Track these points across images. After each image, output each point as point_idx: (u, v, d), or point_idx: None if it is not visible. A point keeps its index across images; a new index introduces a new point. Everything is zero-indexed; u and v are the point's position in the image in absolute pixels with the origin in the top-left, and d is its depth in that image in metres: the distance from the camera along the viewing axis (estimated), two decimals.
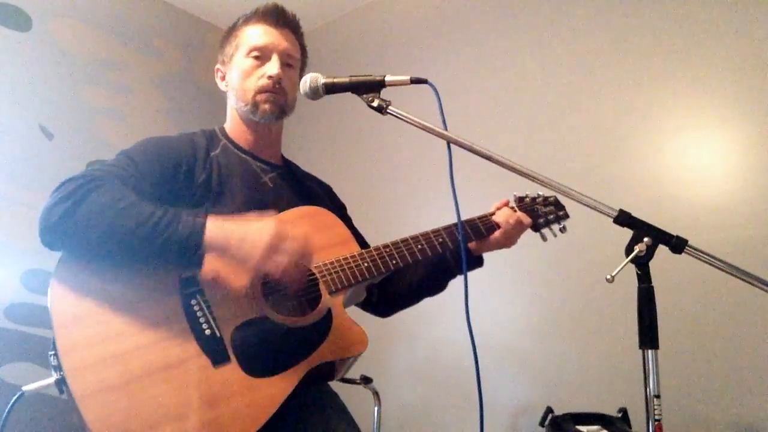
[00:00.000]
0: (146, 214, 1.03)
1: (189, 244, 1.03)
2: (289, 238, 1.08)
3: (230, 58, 1.39)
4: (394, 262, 1.29)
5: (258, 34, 1.36)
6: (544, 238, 1.50)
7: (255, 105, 1.33)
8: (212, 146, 1.32)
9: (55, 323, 1.00)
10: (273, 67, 1.33)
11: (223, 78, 1.42)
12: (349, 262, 1.26)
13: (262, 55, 1.34)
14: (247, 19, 1.39)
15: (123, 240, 1.02)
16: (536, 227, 1.48)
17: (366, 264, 1.27)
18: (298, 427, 1.20)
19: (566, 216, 1.52)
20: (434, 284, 1.48)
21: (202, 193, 1.22)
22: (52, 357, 1.01)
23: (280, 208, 1.29)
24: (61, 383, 0.99)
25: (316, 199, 1.43)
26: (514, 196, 1.51)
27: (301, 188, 1.43)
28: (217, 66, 1.43)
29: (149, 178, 1.16)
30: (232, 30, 1.41)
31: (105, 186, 1.06)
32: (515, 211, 1.43)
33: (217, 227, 1.06)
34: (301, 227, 1.26)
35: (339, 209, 1.51)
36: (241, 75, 1.35)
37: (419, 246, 1.33)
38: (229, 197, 1.24)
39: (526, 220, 1.42)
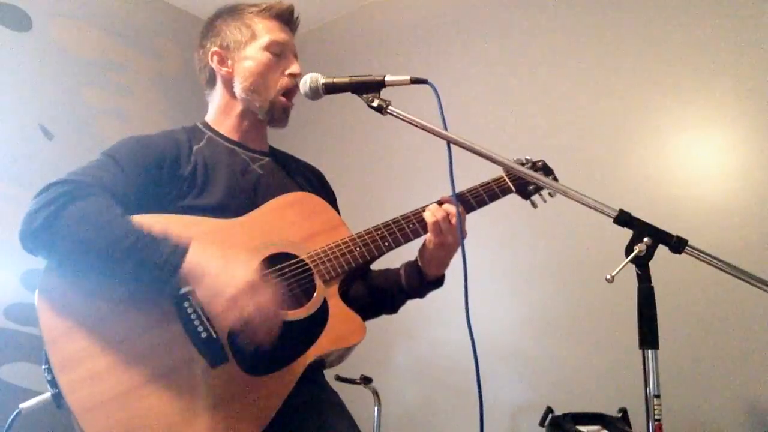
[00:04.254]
0: (125, 231, 1.01)
1: (164, 269, 1.00)
2: (258, 295, 1.02)
3: (240, 46, 1.34)
4: (386, 244, 1.27)
5: (278, 31, 1.35)
6: (534, 205, 1.46)
7: (272, 106, 1.33)
8: (195, 140, 1.30)
9: (46, 338, 0.98)
10: (296, 66, 1.34)
11: (222, 62, 1.36)
12: (342, 248, 1.24)
13: (280, 52, 1.34)
14: (261, 12, 1.36)
15: (99, 255, 1.00)
16: (526, 195, 1.45)
17: (359, 249, 1.25)
18: (297, 428, 1.19)
19: (555, 180, 1.47)
20: (386, 304, 1.41)
21: (188, 185, 1.21)
22: (46, 371, 0.98)
23: (270, 194, 1.28)
24: (58, 398, 0.97)
25: (306, 184, 1.42)
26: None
27: (292, 174, 1.41)
28: (215, 49, 1.36)
29: (133, 177, 1.15)
30: (238, 16, 1.37)
31: (89, 196, 1.04)
32: (441, 205, 1.31)
33: (196, 259, 1.02)
34: (289, 217, 1.25)
35: (329, 197, 1.49)
36: (259, 67, 1.32)
37: (411, 226, 1.30)
38: (213, 189, 1.23)
39: (453, 209, 1.27)
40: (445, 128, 1.10)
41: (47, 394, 1.01)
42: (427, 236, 1.29)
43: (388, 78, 1.13)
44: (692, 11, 2.25)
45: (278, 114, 1.34)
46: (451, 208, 1.27)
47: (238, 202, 1.23)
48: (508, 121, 2.65)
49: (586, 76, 2.47)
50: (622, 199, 2.13)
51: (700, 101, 2.19)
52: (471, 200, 1.37)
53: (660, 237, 0.94)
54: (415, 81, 1.11)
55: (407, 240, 1.30)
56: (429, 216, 1.27)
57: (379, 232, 1.28)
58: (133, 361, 0.99)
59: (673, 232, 0.95)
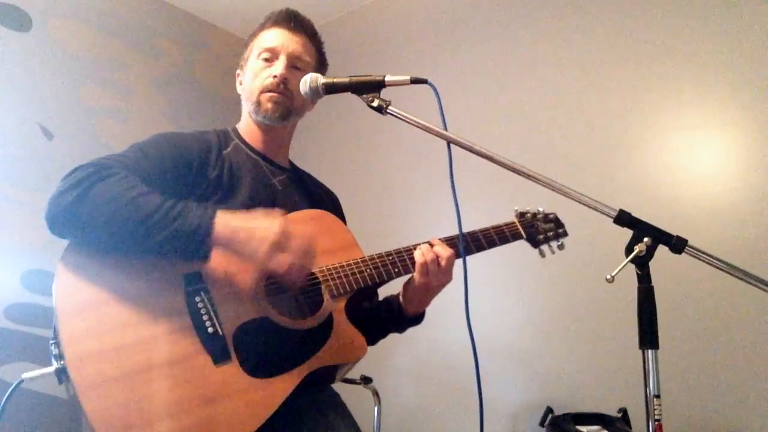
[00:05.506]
0: (156, 204, 1.03)
1: (197, 236, 1.03)
2: (294, 236, 1.08)
3: (246, 62, 1.42)
4: (396, 270, 1.30)
5: (270, 38, 1.38)
6: (542, 254, 1.52)
7: (258, 104, 1.34)
8: (224, 144, 1.34)
9: (59, 312, 1.00)
10: (278, 67, 1.34)
11: (240, 83, 1.45)
12: (353, 268, 1.26)
13: (270, 57, 1.36)
14: (262, 25, 1.42)
15: (131, 229, 1.02)
16: (536, 243, 1.51)
17: (369, 271, 1.27)
18: (298, 427, 1.20)
19: (565, 234, 1.54)
20: (372, 329, 1.39)
21: (213, 189, 1.23)
22: (52, 346, 1.01)
23: (287, 210, 1.29)
24: (60, 372, 0.99)
25: (321, 205, 1.43)
26: (515, 211, 1.52)
27: (308, 194, 1.44)
28: (237, 71, 1.46)
29: (159, 172, 1.17)
30: (250, 37, 1.45)
31: (115, 175, 1.06)
32: (432, 246, 1.31)
33: (225, 221, 1.06)
34: (307, 228, 1.27)
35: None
36: (250, 75, 1.38)
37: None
38: (237, 195, 1.25)
39: (445, 252, 1.28)
40: (445, 128, 1.10)
41: (50, 368, 1.02)
42: (413, 275, 1.31)
43: (388, 78, 1.13)
44: (692, 11, 2.25)
45: (265, 106, 1.34)
46: (441, 251, 1.28)
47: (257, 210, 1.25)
48: (508, 120, 2.65)
49: (587, 75, 2.47)
50: (622, 199, 2.14)
51: (700, 101, 2.19)
52: (481, 239, 1.40)
53: (660, 237, 0.94)
54: (415, 81, 1.11)
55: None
56: (418, 256, 1.28)
57: (391, 258, 1.30)
58: (140, 346, 1.01)
59: (673, 232, 0.95)
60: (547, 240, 1.52)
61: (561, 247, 1.54)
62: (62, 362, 0.97)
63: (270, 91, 1.33)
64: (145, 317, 1.03)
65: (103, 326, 1.01)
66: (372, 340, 1.42)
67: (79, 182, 1.04)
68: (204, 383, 1.02)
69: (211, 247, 1.06)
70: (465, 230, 1.34)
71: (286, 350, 1.12)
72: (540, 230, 1.51)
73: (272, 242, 1.05)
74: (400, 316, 1.38)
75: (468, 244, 1.38)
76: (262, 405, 1.05)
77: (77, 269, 1.04)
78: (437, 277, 1.28)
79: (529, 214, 1.52)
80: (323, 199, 1.50)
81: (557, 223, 1.54)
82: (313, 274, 1.22)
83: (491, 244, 1.42)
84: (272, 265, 1.06)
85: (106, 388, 0.96)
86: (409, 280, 1.33)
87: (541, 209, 1.53)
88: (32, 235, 2.39)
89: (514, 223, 1.49)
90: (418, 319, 1.40)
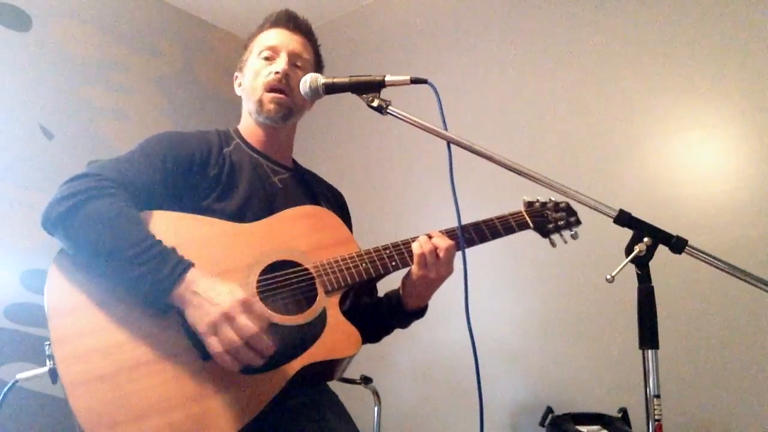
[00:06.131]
0: (136, 239, 1.02)
1: (159, 287, 1.00)
2: (242, 319, 0.99)
3: (245, 63, 1.43)
4: (393, 264, 1.27)
5: (270, 37, 1.40)
6: (553, 244, 1.45)
7: (260, 103, 1.34)
8: (225, 144, 1.34)
9: (50, 313, 1.01)
10: (280, 63, 1.35)
11: (239, 84, 1.45)
12: (348, 263, 1.25)
13: (271, 55, 1.37)
14: (261, 26, 1.43)
15: (106, 255, 1.02)
16: (545, 233, 1.44)
17: (365, 265, 1.25)
18: (296, 426, 1.19)
19: (578, 222, 1.47)
20: (374, 325, 1.37)
21: (212, 187, 1.24)
22: (47, 347, 1.02)
23: (287, 208, 1.29)
24: (54, 372, 0.99)
25: (323, 203, 1.42)
26: (524, 200, 1.46)
27: (310, 192, 1.43)
28: (236, 74, 1.46)
29: (161, 171, 1.18)
30: (249, 39, 1.45)
31: (110, 196, 1.06)
32: (430, 238, 1.28)
33: (189, 284, 1.01)
34: (300, 228, 1.26)
35: (344, 219, 1.47)
36: (251, 75, 1.38)
37: None
38: (235, 192, 1.25)
39: (444, 243, 1.24)
40: (445, 128, 1.10)
41: (44, 368, 1.06)
42: (412, 267, 1.28)
43: (388, 78, 1.13)
44: (693, 12, 2.25)
45: (267, 107, 1.34)
46: (439, 243, 1.25)
47: (254, 212, 1.25)
48: (508, 120, 2.65)
49: (587, 76, 2.47)
50: (622, 199, 2.14)
51: (700, 101, 2.19)
52: (484, 230, 1.35)
53: (660, 237, 0.94)
54: (415, 81, 1.11)
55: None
56: (416, 247, 1.25)
57: (388, 251, 1.28)
58: (129, 344, 1.01)
59: (673, 232, 0.95)
60: (557, 229, 1.44)
61: (575, 236, 1.45)
62: (53, 362, 0.98)
63: (272, 90, 1.33)
64: (135, 316, 1.04)
65: (93, 326, 1.01)
66: (375, 337, 1.41)
67: (73, 195, 1.05)
68: (192, 380, 1.02)
69: (169, 302, 1.02)
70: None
71: (277, 347, 1.10)
72: (550, 219, 1.44)
73: (209, 322, 0.98)
74: (401, 311, 1.35)
75: (470, 234, 1.33)
76: (252, 401, 1.04)
77: (69, 270, 1.05)
78: (436, 269, 1.25)
79: (537, 203, 1.46)
80: (327, 197, 1.49)
81: (569, 212, 1.47)
82: (307, 269, 1.21)
83: (495, 235, 1.35)
84: (206, 342, 1.00)
85: (93, 385, 0.96)
86: (408, 273, 1.30)
87: (552, 198, 1.46)
88: (32, 235, 2.39)
89: (520, 212, 1.43)
90: (420, 312, 1.37)
